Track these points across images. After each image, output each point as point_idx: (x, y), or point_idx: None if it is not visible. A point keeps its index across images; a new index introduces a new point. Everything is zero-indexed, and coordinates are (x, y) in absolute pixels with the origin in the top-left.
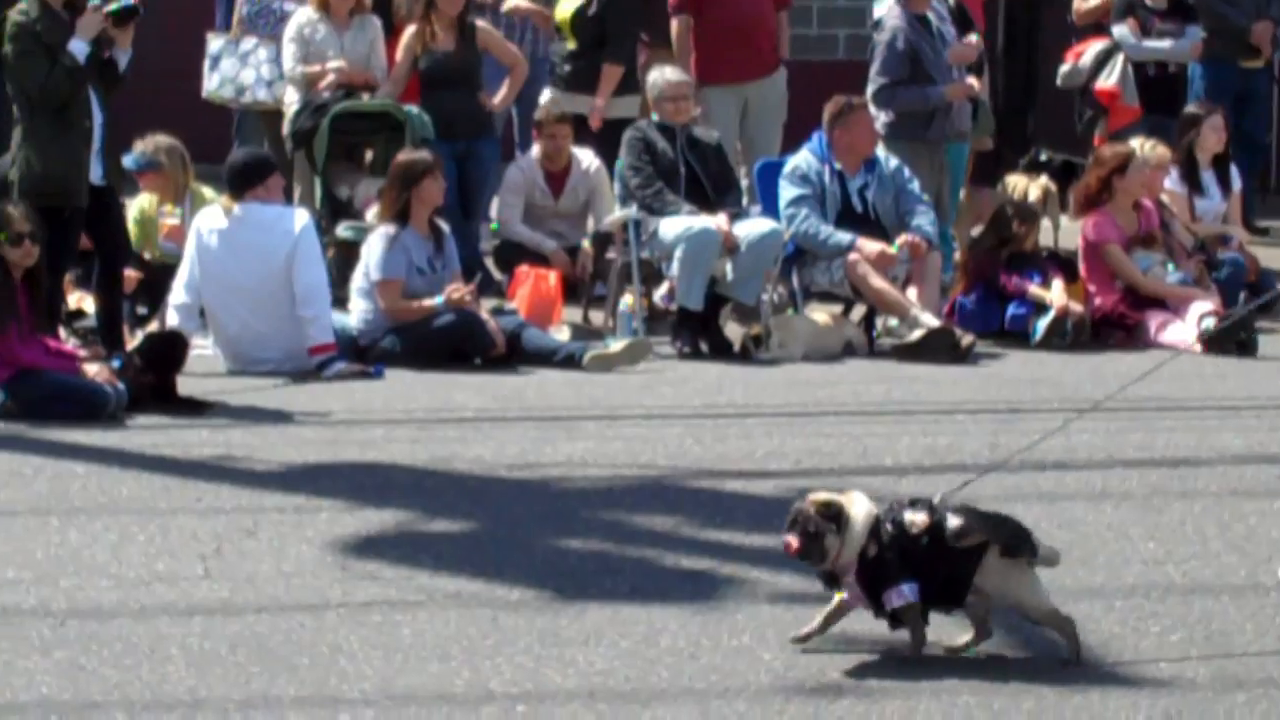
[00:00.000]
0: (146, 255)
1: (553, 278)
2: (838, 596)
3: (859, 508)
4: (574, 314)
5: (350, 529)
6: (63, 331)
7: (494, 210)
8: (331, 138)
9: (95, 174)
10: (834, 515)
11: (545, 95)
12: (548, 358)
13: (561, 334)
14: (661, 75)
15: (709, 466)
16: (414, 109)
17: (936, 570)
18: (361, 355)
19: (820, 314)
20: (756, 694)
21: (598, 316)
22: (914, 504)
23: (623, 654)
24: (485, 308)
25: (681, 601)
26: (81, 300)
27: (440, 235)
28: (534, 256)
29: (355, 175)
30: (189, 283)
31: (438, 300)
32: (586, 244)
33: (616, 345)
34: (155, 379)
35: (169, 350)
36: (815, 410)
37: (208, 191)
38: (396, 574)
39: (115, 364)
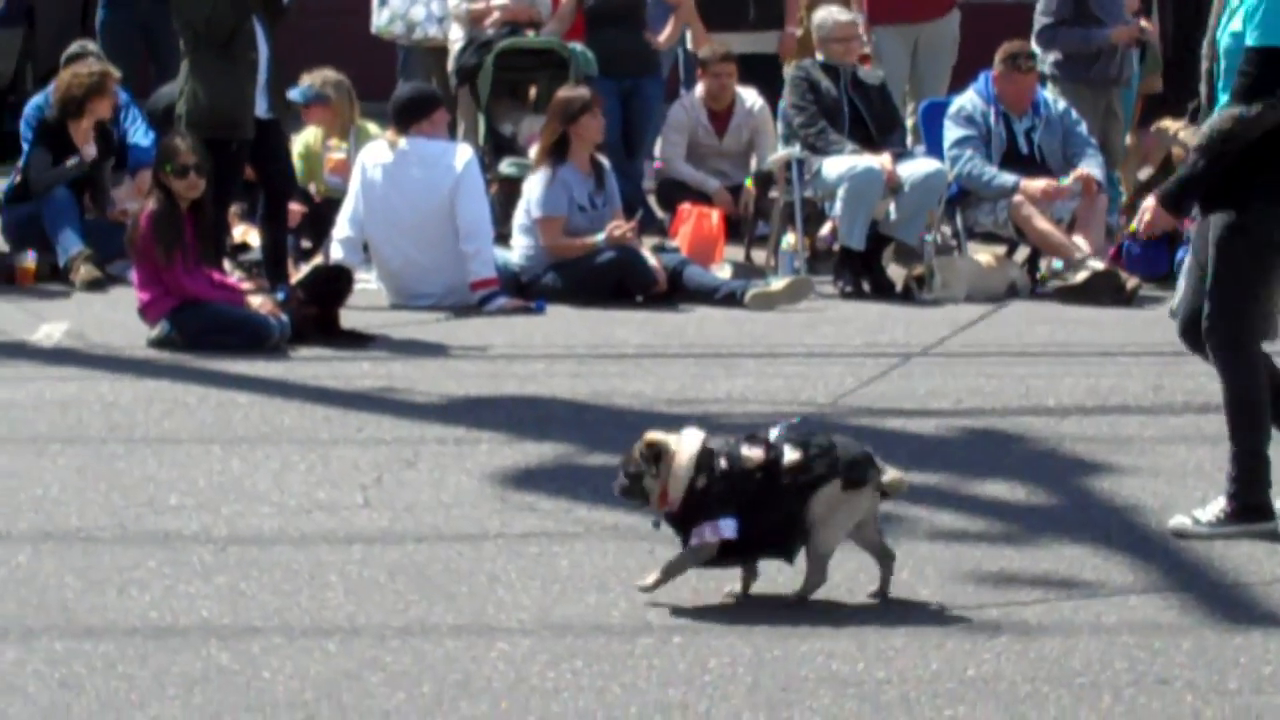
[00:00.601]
0: (311, 189)
1: (715, 216)
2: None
3: (686, 444)
4: (736, 252)
5: (509, 461)
6: (228, 264)
7: (657, 149)
8: (496, 74)
9: (261, 107)
10: (653, 456)
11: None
12: (709, 295)
13: (723, 272)
14: (830, 15)
15: (869, 405)
16: (578, 46)
17: (769, 506)
18: (523, 291)
19: (984, 255)
20: (914, 629)
21: (760, 255)
22: (751, 439)
23: (780, 588)
24: (647, 245)
25: None
26: (247, 233)
27: (601, 172)
28: (696, 195)
29: (519, 112)
30: (353, 217)
31: (599, 237)
32: (749, 183)
33: (778, 283)
34: (319, 312)
35: (333, 284)
36: (977, 350)
37: (372, 127)
38: (555, 506)
39: (279, 296)
